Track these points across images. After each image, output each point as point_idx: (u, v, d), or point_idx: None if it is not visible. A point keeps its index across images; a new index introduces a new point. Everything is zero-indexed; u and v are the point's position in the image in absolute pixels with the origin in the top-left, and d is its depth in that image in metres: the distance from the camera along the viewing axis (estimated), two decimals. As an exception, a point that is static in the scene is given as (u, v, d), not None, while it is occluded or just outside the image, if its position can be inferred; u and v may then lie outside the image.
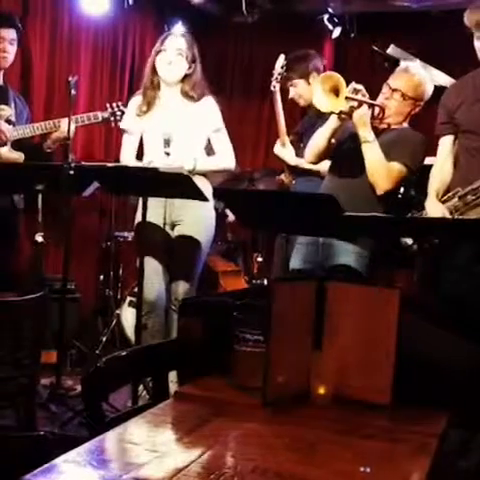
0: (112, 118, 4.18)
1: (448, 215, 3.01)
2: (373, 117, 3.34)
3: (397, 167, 3.29)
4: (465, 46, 5.03)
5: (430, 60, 4.08)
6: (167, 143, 3.55)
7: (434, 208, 3.10)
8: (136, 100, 3.81)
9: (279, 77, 4.27)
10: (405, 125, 3.47)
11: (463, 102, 3.15)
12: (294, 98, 4.38)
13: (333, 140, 3.42)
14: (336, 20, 5.44)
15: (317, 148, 3.47)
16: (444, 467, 1.66)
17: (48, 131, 4.08)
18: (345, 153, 3.44)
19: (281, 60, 4.27)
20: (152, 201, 3.48)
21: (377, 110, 3.36)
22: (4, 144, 4.00)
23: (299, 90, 4.31)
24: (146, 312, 3.60)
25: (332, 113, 3.27)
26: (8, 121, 4.03)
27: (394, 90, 3.37)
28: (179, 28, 5.36)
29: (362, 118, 3.25)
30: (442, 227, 2.84)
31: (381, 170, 3.27)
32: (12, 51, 4.16)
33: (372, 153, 3.26)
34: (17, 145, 4.05)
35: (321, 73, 4.12)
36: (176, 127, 3.64)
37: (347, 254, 3.27)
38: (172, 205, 3.66)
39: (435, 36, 5.23)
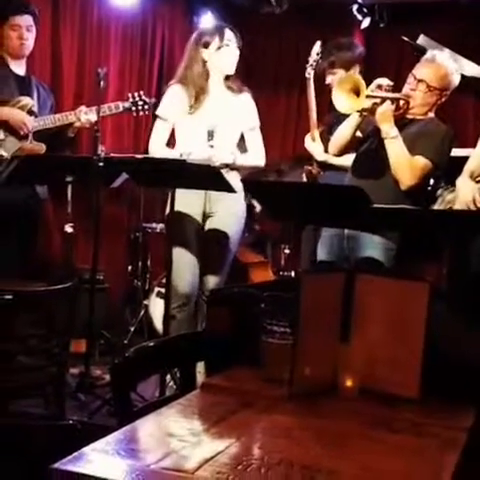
0: (133, 108, 4.20)
1: (478, 195, 2.97)
2: (398, 108, 3.31)
3: (422, 162, 3.25)
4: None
5: (460, 50, 4.03)
6: (211, 135, 3.57)
7: (465, 186, 3.05)
8: (177, 89, 3.76)
9: (314, 64, 4.22)
10: (431, 115, 3.42)
11: None
12: (331, 84, 4.31)
13: (358, 132, 3.40)
14: (365, 10, 5.39)
15: (340, 141, 3.46)
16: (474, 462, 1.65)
17: (69, 122, 4.11)
18: (368, 151, 3.42)
19: (317, 46, 4.22)
20: (191, 193, 3.50)
21: (402, 101, 3.33)
22: (26, 136, 4.04)
23: (337, 79, 4.23)
24: (179, 305, 3.62)
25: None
26: (30, 112, 4.07)
27: (420, 81, 3.32)
28: (210, 18, 5.37)
29: (385, 114, 3.22)
30: (471, 220, 2.81)
31: (405, 166, 3.23)
32: (31, 38, 4.17)
33: (395, 149, 3.23)
34: (37, 134, 4.08)
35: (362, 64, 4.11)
36: (219, 120, 3.65)
37: (373, 246, 3.25)
38: (209, 197, 3.67)
39: (465, 26, 5.17)
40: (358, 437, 1.50)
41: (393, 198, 3.20)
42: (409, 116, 3.36)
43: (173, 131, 3.82)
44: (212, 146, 3.56)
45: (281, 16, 5.53)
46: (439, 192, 3.19)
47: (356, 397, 1.72)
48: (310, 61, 4.23)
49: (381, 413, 1.63)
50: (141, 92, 4.27)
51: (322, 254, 3.45)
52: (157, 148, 3.77)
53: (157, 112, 3.87)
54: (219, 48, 3.71)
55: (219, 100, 3.74)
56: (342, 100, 3.23)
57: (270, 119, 5.99)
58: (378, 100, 3.19)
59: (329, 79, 4.30)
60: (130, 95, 4.25)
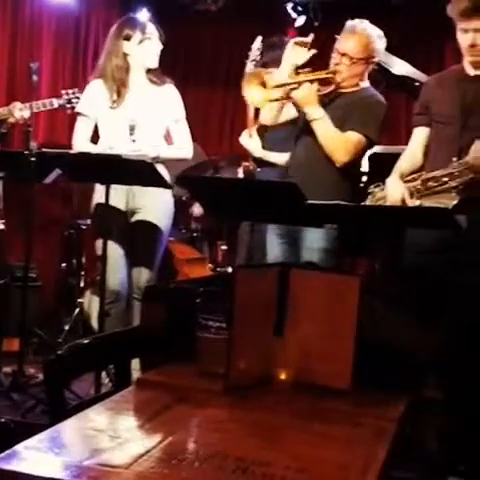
0: (68, 105, 4.16)
1: (407, 194, 3.01)
2: (326, 85, 3.33)
3: (354, 137, 3.28)
4: (426, 35, 5.07)
5: (392, 48, 4.10)
6: (132, 129, 3.55)
7: (394, 186, 3.07)
8: (97, 85, 3.74)
9: (255, 59, 4.23)
10: (363, 84, 3.43)
11: (440, 94, 3.09)
12: None
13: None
14: (300, 8, 5.45)
15: (268, 115, 3.49)
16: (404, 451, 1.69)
17: (2, 118, 4.03)
18: (300, 138, 3.45)
19: (258, 42, 4.23)
20: (114, 189, 3.47)
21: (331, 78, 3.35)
22: None
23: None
24: (110, 301, 3.59)
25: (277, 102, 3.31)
26: None
27: (343, 54, 3.34)
28: (145, 14, 5.33)
29: (306, 98, 3.25)
30: (403, 214, 2.86)
31: (336, 144, 3.26)
32: None
33: (322, 129, 3.26)
34: None
35: None
36: (141, 114, 3.63)
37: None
38: (132, 192, 3.65)
39: (397, 25, 5.27)
40: (292, 429, 1.52)
41: (331, 185, 3.25)
42: (342, 90, 3.38)
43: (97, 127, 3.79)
44: (134, 141, 3.55)
45: (217, 13, 5.54)
46: (370, 189, 3.23)
47: (290, 390, 1.74)
48: (251, 56, 4.23)
49: (315, 405, 1.66)
50: (76, 89, 4.23)
51: (273, 237, 3.48)
52: (80, 145, 3.73)
53: (78, 109, 3.84)
54: (141, 41, 3.68)
55: (141, 94, 3.72)
56: (252, 94, 3.26)
57: (207, 116, 6.01)
58: (293, 86, 3.24)
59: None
60: (64, 92, 4.21)
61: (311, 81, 3.28)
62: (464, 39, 2.94)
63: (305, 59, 3.36)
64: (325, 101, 3.41)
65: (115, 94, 3.67)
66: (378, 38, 3.40)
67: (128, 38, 3.67)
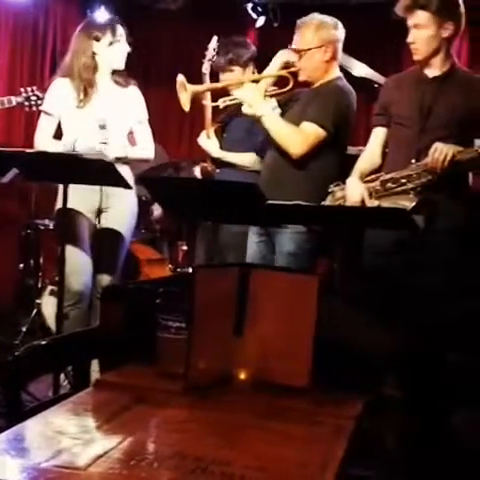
0: (26, 103, 4.12)
1: (366, 195, 3.03)
2: (286, 85, 3.36)
3: (307, 129, 3.26)
4: (384, 37, 5.13)
5: (352, 51, 4.13)
6: (103, 129, 3.53)
7: (353, 187, 3.09)
8: (62, 83, 3.69)
9: (211, 59, 4.21)
10: (332, 75, 3.39)
11: (398, 96, 3.11)
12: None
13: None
14: (260, 9, 5.46)
15: None
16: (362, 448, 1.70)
17: None
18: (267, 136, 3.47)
19: (214, 42, 4.21)
20: (86, 188, 3.45)
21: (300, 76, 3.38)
22: None
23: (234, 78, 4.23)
24: (72, 303, 3.55)
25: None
26: None
27: (295, 50, 3.35)
28: (105, 14, 5.28)
29: (246, 98, 3.30)
30: (362, 215, 2.88)
31: (287, 137, 3.26)
32: None
33: (271, 125, 3.27)
34: None
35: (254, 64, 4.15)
36: (109, 114, 3.61)
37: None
38: (106, 193, 3.62)
39: (355, 27, 5.31)
40: (252, 428, 1.53)
41: (296, 180, 3.27)
42: (313, 86, 3.39)
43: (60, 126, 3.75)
44: (104, 142, 3.53)
45: (176, 13, 5.52)
46: (331, 188, 3.24)
47: (250, 389, 1.74)
48: (208, 56, 4.22)
49: (274, 404, 1.67)
50: (34, 87, 4.18)
51: (252, 235, 3.49)
52: (42, 143, 3.68)
53: (42, 107, 3.79)
54: (111, 43, 3.67)
55: (107, 94, 3.71)
56: (180, 97, 3.42)
57: (166, 116, 5.98)
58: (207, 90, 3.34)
59: (225, 76, 4.30)
60: (23, 90, 4.16)
61: (256, 81, 3.31)
62: (409, 37, 2.99)
63: (294, 59, 3.38)
64: (281, 100, 3.43)
65: (82, 93, 3.64)
66: (329, 25, 3.37)
67: (98, 39, 3.65)
